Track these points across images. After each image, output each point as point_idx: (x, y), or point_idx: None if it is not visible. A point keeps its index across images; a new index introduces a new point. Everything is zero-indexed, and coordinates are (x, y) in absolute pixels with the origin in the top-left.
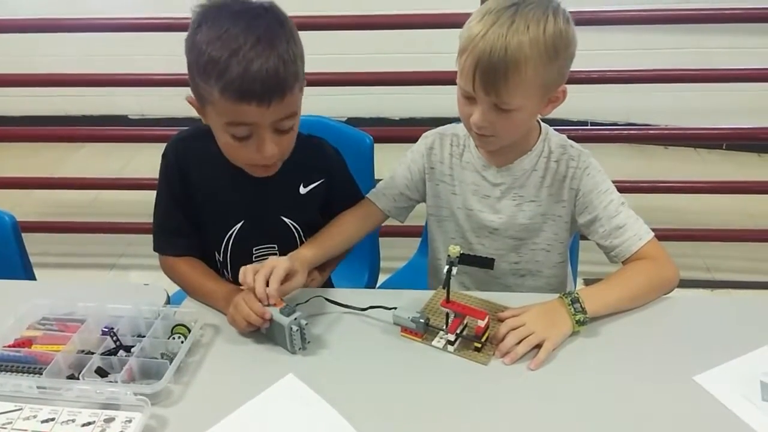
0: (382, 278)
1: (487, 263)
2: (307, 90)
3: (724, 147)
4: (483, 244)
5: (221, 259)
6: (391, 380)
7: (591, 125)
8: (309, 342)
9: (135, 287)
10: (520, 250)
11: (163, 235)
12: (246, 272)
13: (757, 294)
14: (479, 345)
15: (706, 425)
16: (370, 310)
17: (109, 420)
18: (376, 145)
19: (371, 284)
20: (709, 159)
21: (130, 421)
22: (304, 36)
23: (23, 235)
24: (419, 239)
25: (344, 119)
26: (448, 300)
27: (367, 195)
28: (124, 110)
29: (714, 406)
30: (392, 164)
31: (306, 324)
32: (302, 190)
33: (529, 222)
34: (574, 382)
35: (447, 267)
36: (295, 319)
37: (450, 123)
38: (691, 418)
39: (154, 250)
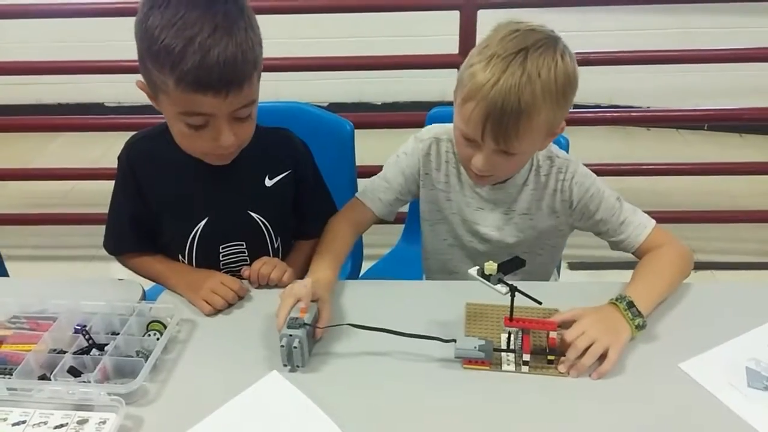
0: (366, 266)
1: (520, 264)
2: (285, 75)
3: (705, 128)
4: (477, 248)
5: (186, 261)
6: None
7: (574, 108)
8: (298, 366)
9: (110, 282)
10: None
11: (112, 235)
12: (279, 309)
13: (740, 275)
14: (552, 358)
15: (692, 412)
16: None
17: (83, 421)
18: (358, 132)
19: (354, 273)
20: (692, 140)
21: (104, 422)
22: (282, 20)
23: None
24: (402, 226)
25: (325, 105)
26: (511, 319)
27: (360, 198)
28: (100, 98)
29: (700, 393)
30: (374, 151)
31: (296, 347)
32: (268, 183)
33: (522, 234)
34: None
35: (507, 291)
36: (291, 335)
37: (433, 107)
38: (677, 406)
39: (107, 249)
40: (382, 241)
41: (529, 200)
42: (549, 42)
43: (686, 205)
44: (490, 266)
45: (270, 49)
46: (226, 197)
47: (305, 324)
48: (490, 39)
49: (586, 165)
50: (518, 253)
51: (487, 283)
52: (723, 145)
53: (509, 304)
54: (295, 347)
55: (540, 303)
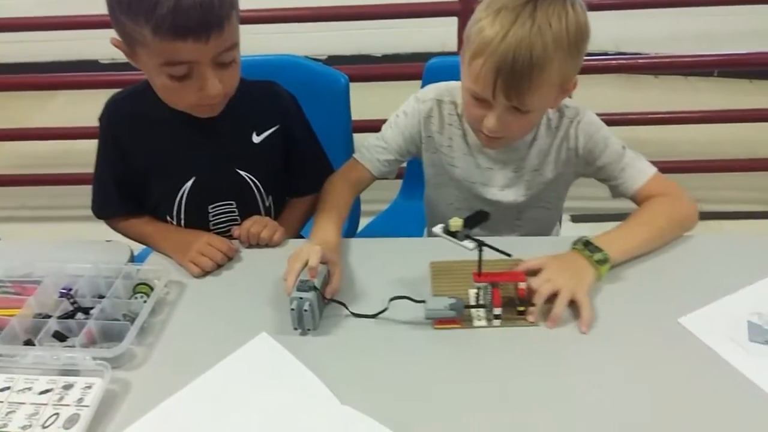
0: (363, 222)
1: (485, 217)
2: (281, 27)
3: (715, 74)
4: (485, 208)
5: (175, 222)
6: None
7: None
8: (309, 330)
9: (97, 244)
10: (523, 213)
11: (99, 199)
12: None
13: (748, 224)
14: (522, 309)
15: (690, 368)
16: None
17: (68, 387)
18: (357, 85)
19: (352, 230)
20: (701, 87)
21: (89, 387)
22: None
23: None
24: (400, 181)
25: (324, 58)
26: (480, 274)
27: (359, 159)
28: (94, 54)
29: (699, 348)
30: (373, 105)
31: (306, 310)
32: (256, 139)
33: (531, 191)
34: (559, 327)
35: (474, 247)
36: (301, 298)
37: (434, 57)
38: (677, 362)
39: (94, 213)
40: (380, 197)
41: (539, 155)
42: None
43: (694, 155)
44: (456, 222)
45: (265, 1)
46: (212, 155)
47: (315, 287)
48: None
49: None
50: (526, 210)
51: (453, 239)
52: (732, 91)
53: (477, 259)
54: (305, 310)
55: (509, 255)
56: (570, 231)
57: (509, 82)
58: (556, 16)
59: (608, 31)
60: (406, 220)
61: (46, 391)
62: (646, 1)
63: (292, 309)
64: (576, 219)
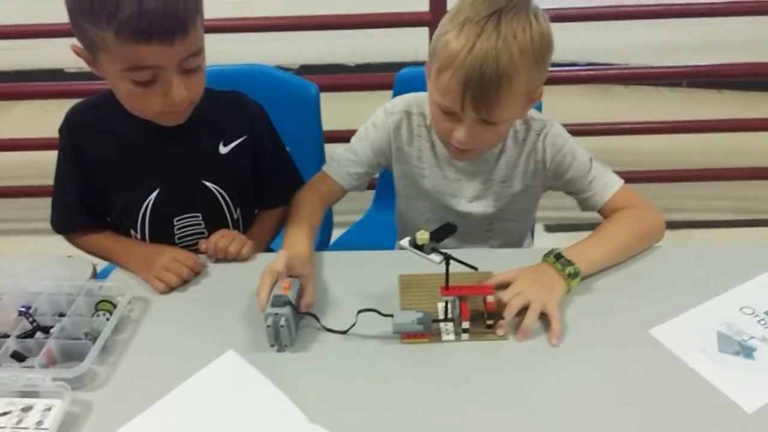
0: (336, 233)
1: (452, 230)
2: (253, 36)
3: (684, 84)
4: (455, 222)
5: (139, 236)
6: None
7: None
8: (286, 346)
9: (58, 260)
10: (493, 225)
11: (59, 213)
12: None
13: (717, 233)
14: (491, 322)
15: (660, 380)
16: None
17: (27, 409)
18: (327, 95)
19: (324, 241)
20: (671, 97)
21: (49, 409)
22: None
23: None
24: (373, 192)
25: (296, 67)
26: (447, 287)
27: (328, 172)
28: (59, 63)
29: (669, 359)
30: (345, 116)
31: (282, 325)
32: (222, 150)
33: (500, 203)
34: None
35: (441, 260)
36: (277, 314)
37: (405, 67)
38: (647, 373)
39: (53, 228)
40: (353, 208)
41: (507, 167)
42: (521, 3)
43: (663, 164)
44: (422, 235)
45: (234, 9)
46: (177, 166)
47: (290, 302)
48: (460, 4)
49: (562, 124)
50: (496, 222)
51: (420, 253)
52: (701, 102)
53: (444, 272)
54: (282, 326)
55: (476, 269)
56: (544, 241)
57: (477, 94)
58: (520, 28)
59: (579, 42)
60: (378, 231)
61: (4, 413)
62: (616, 12)
63: (268, 326)
64: (550, 229)
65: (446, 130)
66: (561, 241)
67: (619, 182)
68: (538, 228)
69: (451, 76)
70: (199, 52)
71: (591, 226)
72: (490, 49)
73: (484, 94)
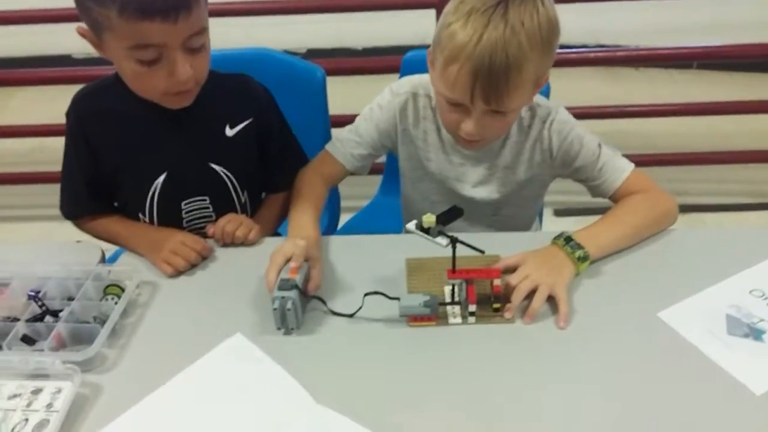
0: (344, 218)
1: (458, 213)
2: (261, 21)
3: (694, 66)
4: (461, 205)
5: (147, 220)
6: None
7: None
8: (293, 329)
9: (67, 245)
10: (499, 210)
11: (68, 199)
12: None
13: (728, 216)
14: (498, 306)
15: (670, 362)
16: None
17: (37, 391)
18: (334, 79)
19: (332, 226)
20: (680, 79)
21: (59, 392)
22: None
23: None
24: (380, 176)
25: (303, 51)
26: (454, 271)
27: (331, 152)
28: (67, 49)
29: (678, 342)
30: (351, 100)
31: (289, 309)
32: (229, 132)
33: (505, 189)
34: (535, 323)
35: (448, 243)
36: (284, 297)
37: (414, 50)
38: (655, 356)
39: (63, 214)
40: (360, 193)
41: (512, 153)
42: None
43: (674, 147)
44: (429, 219)
45: None
46: (184, 149)
47: (297, 285)
48: None
49: (572, 108)
50: (502, 207)
51: (427, 236)
52: (711, 84)
53: (451, 255)
54: (288, 309)
55: (482, 252)
56: (553, 225)
57: (487, 86)
58: (528, 15)
59: (588, 24)
60: (386, 216)
61: (15, 396)
62: None
63: (275, 309)
64: (559, 213)
65: (454, 121)
66: (570, 225)
67: (630, 166)
68: (548, 212)
69: (460, 68)
70: (204, 31)
71: (601, 211)
72: (499, 39)
73: (494, 86)
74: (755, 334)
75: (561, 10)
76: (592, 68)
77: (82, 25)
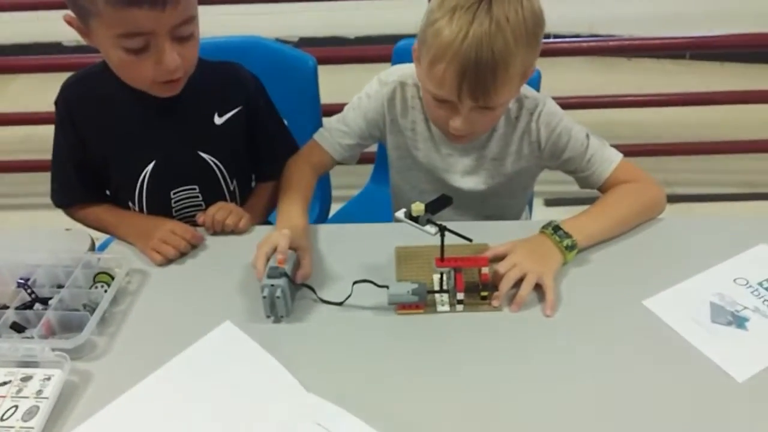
0: (335, 207)
1: (447, 201)
2: (252, 9)
3: (687, 57)
4: (449, 193)
5: (137, 208)
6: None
7: (553, 38)
8: (283, 316)
9: (57, 233)
10: (487, 200)
11: (59, 187)
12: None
13: (718, 207)
14: (486, 294)
15: (654, 350)
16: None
17: (27, 378)
18: (327, 67)
19: (323, 215)
20: (673, 70)
21: (49, 379)
22: None
23: None
24: (372, 165)
25: (296, 40)
26: (442, 259)
27: (319, 142)
28: (57, 36)
29: (661, 329)
30: (343, 89)
31: (278, 296)
32: (218, 120)
33: (492, 180)
34: (522, 311)
35: (436, 232)
36: (273, 285)
37: (406, 39)
38: (640, 344)
39: (53, 202)
40: (351, 182)
41: (499, 145)
42: None
43: (665, 137)
44: (418, 207)
45: None
46: (173, 138)
47: (286, 273)
48: None
49: (563, 98)
50: (490, 198)
51: (415, 224)
52: (704, 74)
53: (439, 244)
54: (278, 297)
55: (470, 240)
56: (543, 214)
57: (475, 83)
58: (512, 9)
59: (581, 13)
60: (377, 205)
61: (4, 383)
62: None
63: (264, 297)
64: (549, 203)
65: (441, 117)
66: (561, 215)
67: (618, 156)
68: (538, 202)
69: (446, 66)
70: (192, 19)
71: (592, 200)
72: (484, 35)
73: (481, 82)
74: (738, 322)
75: None
76: (584, 58)
77: (70, 12)
